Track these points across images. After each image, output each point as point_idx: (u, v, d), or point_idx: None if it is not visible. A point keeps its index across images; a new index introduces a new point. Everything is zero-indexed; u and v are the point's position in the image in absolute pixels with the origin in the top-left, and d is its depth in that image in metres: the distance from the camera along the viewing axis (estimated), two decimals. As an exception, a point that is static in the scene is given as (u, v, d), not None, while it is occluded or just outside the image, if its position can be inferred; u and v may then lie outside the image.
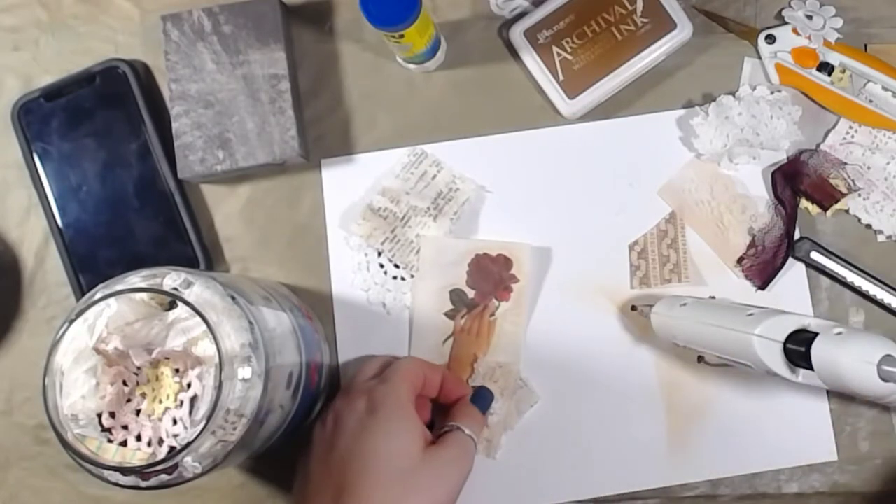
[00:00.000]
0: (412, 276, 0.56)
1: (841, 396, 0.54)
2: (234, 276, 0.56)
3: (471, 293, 0.56)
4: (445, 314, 0.56)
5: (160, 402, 0.43)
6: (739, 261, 0.56)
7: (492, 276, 0.56)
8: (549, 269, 0.56)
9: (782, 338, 0.43)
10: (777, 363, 0.43)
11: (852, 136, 0.56)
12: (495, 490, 0.54)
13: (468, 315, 0.56)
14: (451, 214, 0.56)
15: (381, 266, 0.56)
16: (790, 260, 0.55)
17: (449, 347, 0.55)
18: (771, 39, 0.56)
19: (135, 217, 0.56)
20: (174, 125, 0.55)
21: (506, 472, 0.54)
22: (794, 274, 0.56)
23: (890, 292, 0.55)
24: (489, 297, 0.56)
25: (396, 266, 0.56)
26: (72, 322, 0.42)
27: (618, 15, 0.56)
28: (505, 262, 0.56)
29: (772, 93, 0.56)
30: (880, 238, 0.56)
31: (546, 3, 0.57)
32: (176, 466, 0.40)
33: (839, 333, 0.41)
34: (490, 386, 0.55)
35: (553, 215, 0.57)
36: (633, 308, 0.55)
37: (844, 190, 0.55)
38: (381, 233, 0.56)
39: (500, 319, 0.56)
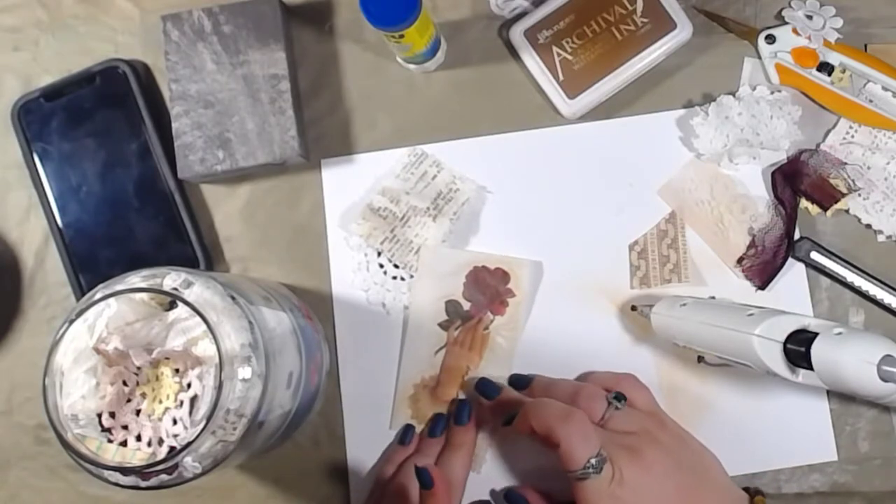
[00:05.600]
0: (411, 277, 0.56)
1: (841, 396, 0.54)
2: (234, 276, 0.56)
3: (466, 305, 0.56)
4: (439, 324, 0.56)
5: (160, 402, 0.43)
6: (739, 261, 0.56)
7: (489, 289, 0.56)
8: (548, 270, 0.56)
9: (782, 338, 0.43)
10: (777, 363, 0.43)
11: (852, 136, 0.56)
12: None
13: (462, 327, 0.56)
14: (451, 215, 0.56)
15: (381, 266, 0.56)
16: (790, 260, 0.55)
17: (440, 358, 0.55)
18: (771, 39, 0.56)
19: (135, 217, 0.56)
20: (174, 125, 0.55)
21: (491, 485, 0.54)
22: (794, 274, 0.56)
23: (890, 292, 0.55)
24: (484, 310, 0.56)
25: (396, 266, 0.56)
26: (72, 322, 0.42)
27: (618, 15, 0.56)
28: (503, 276, 0.56)
29: (772, 93, 0.56)
30: (880, 238, 0.56)
31: (546, 3, 0.57)
32: (176, 466, 0.40)
33: (839, 333, 0.41)
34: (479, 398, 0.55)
35: (553, 215, 0.57)
36: (633, 308, 0.55)
37: (844, 190, 0.55)
38: (381, 233, 0.56)
39: (493, 333, 0.55)
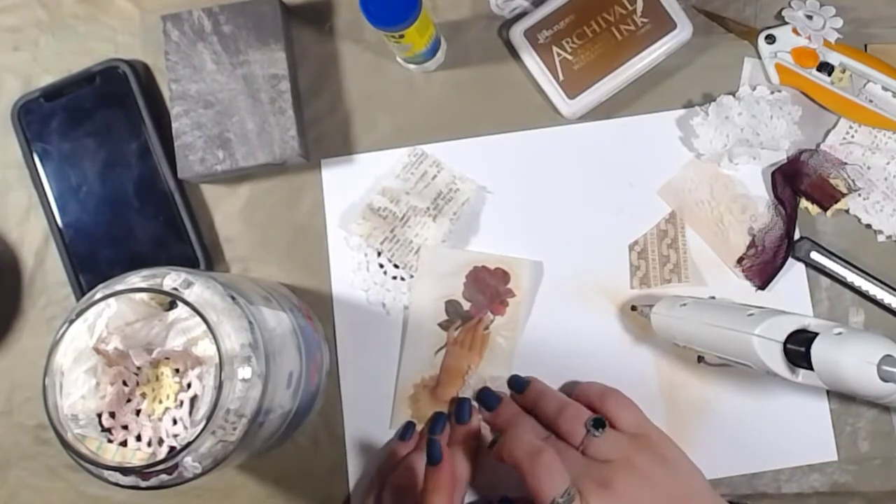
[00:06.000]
0: (411, 277, 0.56)
1: (841, 396, 0.54)
2: (234, 276, 0.56)
3: (466, 305, 0.56)
4: (439, 325, 0.56)
5: (160, 402, 0.43)
6: (739, 261, 0.56)
7: (488, 289, 0.56)
8: (548, 270, 0.56)
9: (782, 338, 0.43)
10: (777, 363, 0.43)
11: (852, 136, 0.56)
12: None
13: (462, 327, 0.56)
14: (451, 215, 0.56)
15: (381, 266, 0.56)
16: (790, 260, 0.55)
17: (441, 358, 0.55)
18: (771, 39, 0.56)
19: (135, 217, 0.56)
20: (174, 125, 0.55)
21: (490, 485, 0.54)
22: (794, 274, 0.56)
23: (890, 292, 0.55)
24: (484, 310, 0.56)
25: (396, 266, 0.56)
26: (72, 322, 0.42)
27: (618, 15, 0.56)
28: (503, 275, 0.56)
29: (772, 93, 0.56)
30: (880, 238, 0.56)
31: (546, 3, 0.57)
32: (176, 466, 0.40)
33: (839, 333, 0.41)
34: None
35: (553, 216, 0.57)
36: (633, 308, 0.55)
37: (844, 190, 0.55)
38: (381, 232, 0.56)
39: (494, 333, 0.55)
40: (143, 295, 0.43)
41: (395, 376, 0.55)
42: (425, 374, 0.55)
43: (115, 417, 0.43)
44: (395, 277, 0.56)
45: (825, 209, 0.56)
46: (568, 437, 0.48)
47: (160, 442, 0.42)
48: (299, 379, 0.48)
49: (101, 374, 0.42)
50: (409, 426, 0.54)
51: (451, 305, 0.56)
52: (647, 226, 0.57)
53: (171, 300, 0.42)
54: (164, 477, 0.41)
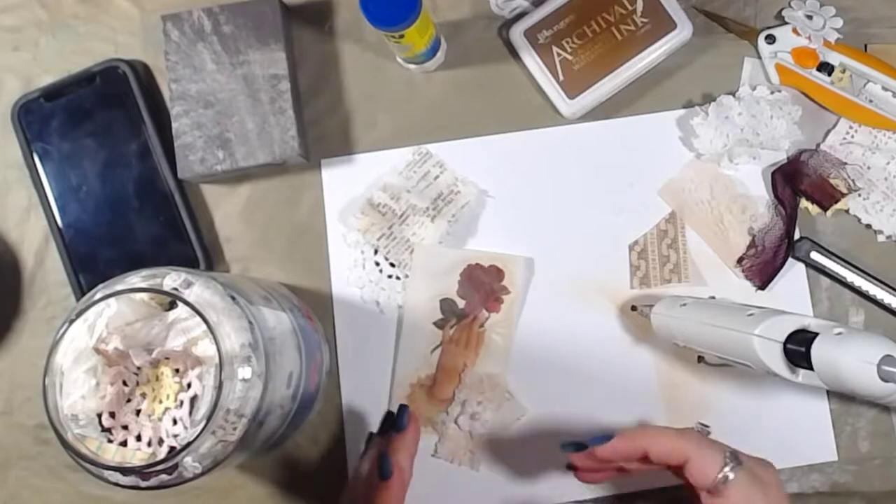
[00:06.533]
0: (406, 276, 0.56)
1: (841, 396, 0.54)
2: (234, 276, 0.56)
3: (461, 303, 0.56)
4: (434, 323, 0.56)
5: (160, 402, 0.43)
6: (739, 261, 0.56)
7: (483, 286, 0.56)
8: (548, 269, 0.56)
9: (782, 338, 0.43)
10: (777, 363, 0.43)
11: (852, 136, 0.56)
12: (480, 501, 0.54)
13: (457, 325, 0.56)
14: (450, 217, 0.56)
15: (377, 264, 0.56)
16: (790, 260, 0.55)
17: (437, 357, 0.55)
18: (771, 39, 0.56)
19: (135, 217, 0.56)
20: (174, 125, 0.55)
21: (490, 484, 0.54)
22: (794, 274, 0.56)
23: (890, 292, 0.55)
24: (479, 307, 0.56)
25: (392, 265, 0.56)
26: (72, 322, 0.42)
27: (618, 15, 0.56)
28: (497, 273, 0.56)
29: (772, 93, 0.56)
30: (880, 238, 0.56)
31: (546, 3, 0.57)
32: (176, 466, 0.40)
33: (839, 333, 0.41)
34: (476, 397, 0.55)
35: (552, 215, 0.57)
36: (633, 308, 0.55)
37: (844, 190, 0.55)
38: (378, 228, 0.56)
39: (489, 331, 0.55)
40: (143, 295, 0.43)
41: (392, 376, 0.55)
42: (422, 374, 0.55)
43: (115, 417, 0.43)
44: (390, 276, 0.56)
45: (825, 209, 0.56)
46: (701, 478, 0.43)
47: (160, 442, 0.42)
48: (299, 379, 0.48)
49: (101, 374, 0.42)
50: (402, 410, 0.50)
51: (446, 304, 0.56)
52: (647, 226, 0.57)
53: (171, 300, 0.42)
54: (164, 477, 0.41)
